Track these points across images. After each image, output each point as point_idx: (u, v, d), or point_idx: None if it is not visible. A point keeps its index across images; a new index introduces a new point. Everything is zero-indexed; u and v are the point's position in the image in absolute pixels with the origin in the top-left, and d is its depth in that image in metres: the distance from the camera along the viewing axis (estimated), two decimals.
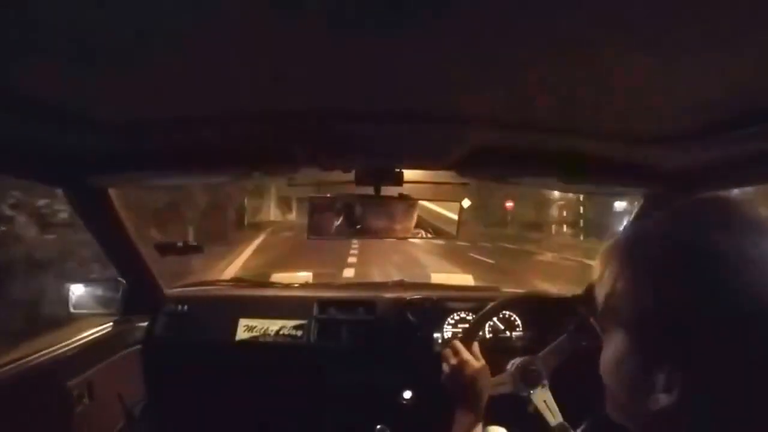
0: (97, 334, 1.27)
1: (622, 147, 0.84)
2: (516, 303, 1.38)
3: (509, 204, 23.12)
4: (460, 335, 1.41)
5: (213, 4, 0.40)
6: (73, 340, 1.17)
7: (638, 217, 1.17)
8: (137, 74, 0.56)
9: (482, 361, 0.96)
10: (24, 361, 0.99)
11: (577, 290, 1.52)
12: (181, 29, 0.45)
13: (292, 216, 28.39)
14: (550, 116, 0.72)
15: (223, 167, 0.96)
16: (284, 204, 28.88)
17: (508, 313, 1.44)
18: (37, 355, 1.04)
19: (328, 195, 1.19)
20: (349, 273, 7.40)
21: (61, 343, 1.14)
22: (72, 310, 1.36)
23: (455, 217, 1.26)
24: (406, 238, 1.19)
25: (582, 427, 1.00)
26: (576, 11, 0.40)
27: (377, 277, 6.55)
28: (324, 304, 1.49)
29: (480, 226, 22.34)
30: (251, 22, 0.44)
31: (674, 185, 0.96)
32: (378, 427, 1.46)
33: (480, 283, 1.90)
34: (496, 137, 0.85)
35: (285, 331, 1.45)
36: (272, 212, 27.00)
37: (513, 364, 1.02)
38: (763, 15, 0.40)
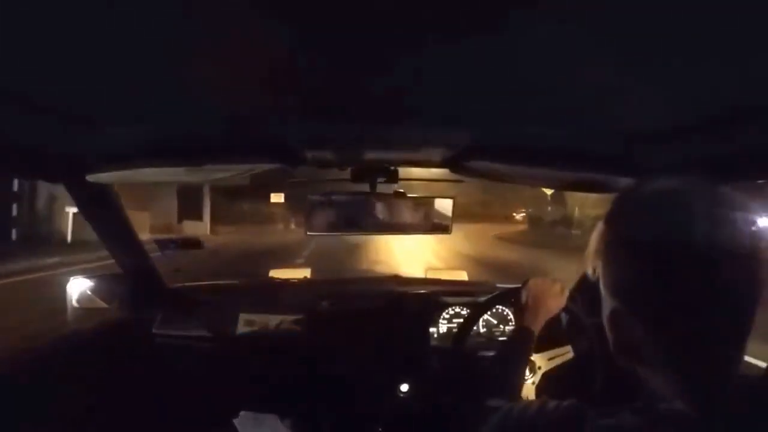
0: (98, 329, 1.30)
1: (612, 143, 0.85)
2: (509, 298, 1.40)
3: None
4: (455, 330, 1.44)
5: (212, 5, 0.41)
6: (74, 334, 1.20)
7: None
8: (137, 73, 0.57)
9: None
10: (25, 354, 1.01)
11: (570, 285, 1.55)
12: (180, 30, 0.45)
13: (203, 228, 15.48)
14: (542, 114, 0.73)
15: (221, 165, 0.98)
16: (187, 200, 14.91)
17: (501, 307, 1.47)
18: (36, 348, 1.06)
19: (325, 192, 1.21)
20: None
21: (61, 337, 1.16)
22: (74, 304, 1.38)
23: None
24: (400, 233, 1.22)
25: None
26: (563, 13, 0.41)
27: None
28: (321, 299, 1.51)
29: (567, 228, 15.16)
30: (249, 24, 0.44)
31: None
32: (380, 430, 1.49)
33: (474, 279, 1.93)
34: (488, 135, 0.87)
35: (284, 326, 1.47)
36: None
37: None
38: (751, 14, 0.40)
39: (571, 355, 1.18)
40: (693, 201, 0.43)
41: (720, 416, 0.42)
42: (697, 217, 0.41)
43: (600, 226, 0.49)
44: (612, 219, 0.48)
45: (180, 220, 14.88)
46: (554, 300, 1.00)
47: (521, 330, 0.97)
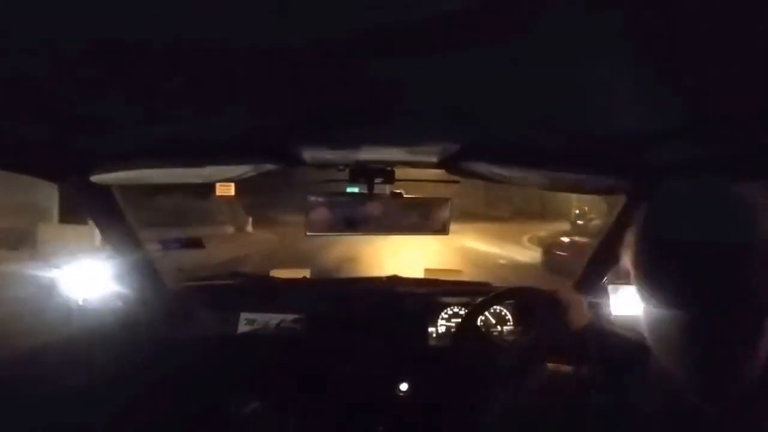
0: (100, 328, 1.31)
1: (607, 143, 0.85)
2: (507, 298, 1.41)
3: None
4: (453, 330, 1.45)
5: (213, 5, 0.41)
6: (76, 334, 1.21)
7: (622, 214, 1.20)
8: (141, 74, 0.57)
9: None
10: (28, 354, 1.02)
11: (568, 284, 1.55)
12: (181, 31, 0.46)
13: (87, 234, 6.55)
14: (538, 114, 0.74)
15: (222, 166, 0.99)
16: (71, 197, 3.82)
17: (499, 307, 1.47)
18: (36, 348, 1.07)
19: (324, 193, 1.22)
20: None
21: (64, 337, 1.18)
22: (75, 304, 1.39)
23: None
24: (397, 234, 1.23)
25: None
26: (562, 13, 0.42)
27: None
28: (321, 298, 1.52)
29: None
30: (248, 25, 0.45)
31: (657, 181, 0.99)
32: (380, 429, 1.50)
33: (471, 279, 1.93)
34: (484, 136, 0.88)
35: (284, 325, 1.49)
36: None
37: None
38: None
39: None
40: (716, 201, 0.43)
41: (735, 413, 0.42)
42: (721, 216, 0.42)
43: (629, 231, 0.49)
44: (641, 222, 0.49)
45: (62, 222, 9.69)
46: (580, 314, 0.99)
47: (542, 333, 0.98)
